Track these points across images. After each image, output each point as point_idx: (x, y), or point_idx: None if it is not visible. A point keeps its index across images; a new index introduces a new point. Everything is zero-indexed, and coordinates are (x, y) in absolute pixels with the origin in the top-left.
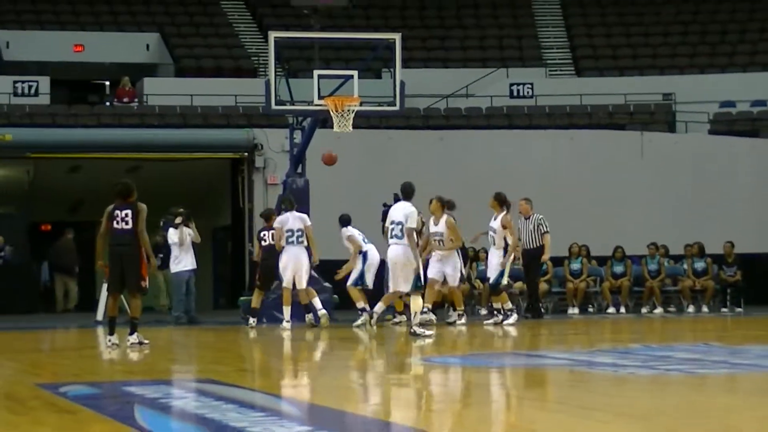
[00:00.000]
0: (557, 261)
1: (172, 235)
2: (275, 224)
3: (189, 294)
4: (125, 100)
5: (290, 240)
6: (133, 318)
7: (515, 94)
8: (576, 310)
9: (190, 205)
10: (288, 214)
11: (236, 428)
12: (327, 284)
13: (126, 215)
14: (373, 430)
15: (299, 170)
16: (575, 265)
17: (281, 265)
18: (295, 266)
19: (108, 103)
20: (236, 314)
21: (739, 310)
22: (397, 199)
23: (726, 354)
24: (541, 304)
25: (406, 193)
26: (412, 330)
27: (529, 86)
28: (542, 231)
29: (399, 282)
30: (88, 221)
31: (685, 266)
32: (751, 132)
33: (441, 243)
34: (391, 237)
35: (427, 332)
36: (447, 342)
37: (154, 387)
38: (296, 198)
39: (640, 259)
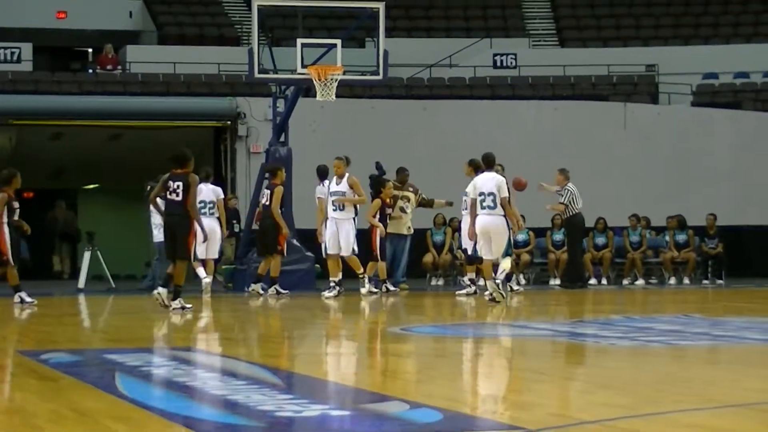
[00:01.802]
0: (539, 232)
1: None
2: None
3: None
4: (108, 67)
5: (202, 211)
6: (177, 285)
7: (498, 64)
8: (557, 281)
9: None
10: (202, 185)
11: (217, 396)
12: (309, 254)
13: (177, 187)
14: (353, 399)
15: (282, 139)
16: (557, 236)
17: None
18: (208, 237)
19: (90, 71)
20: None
21: (720, 282)
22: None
23: (707, 326)
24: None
25: (489, 162)
26: (490, 296)
27: (513, 56)
28: (560, 201)
29: (491, 250)
30: (70, 189)
31: (667, 238)
32: (733, 104)
33: (342, 205)
34: (482, 208)
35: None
36: (428, 312)
37: (136, 355)
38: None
39: (621, 231)
